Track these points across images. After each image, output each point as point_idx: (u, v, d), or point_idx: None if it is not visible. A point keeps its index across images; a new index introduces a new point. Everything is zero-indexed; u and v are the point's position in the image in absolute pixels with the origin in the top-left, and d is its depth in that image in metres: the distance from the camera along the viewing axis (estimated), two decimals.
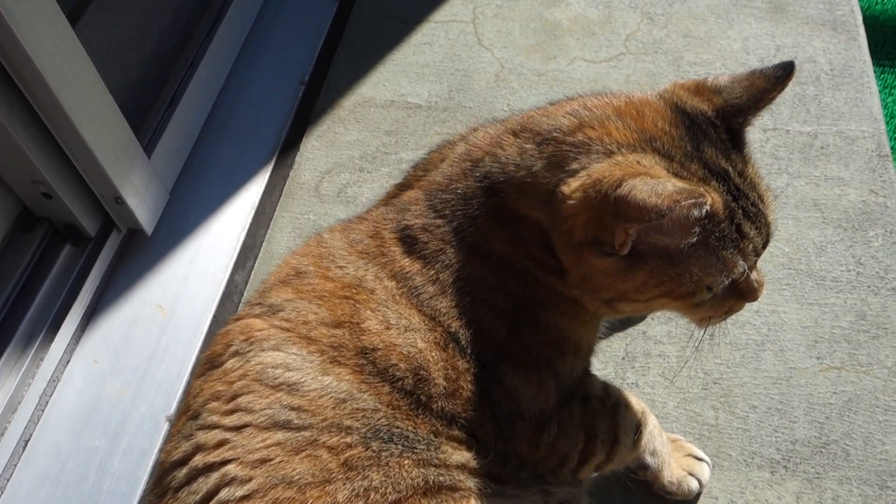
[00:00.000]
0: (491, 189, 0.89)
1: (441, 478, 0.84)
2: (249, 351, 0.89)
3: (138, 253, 1.60)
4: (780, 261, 1.49)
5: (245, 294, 1.56)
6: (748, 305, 1.40)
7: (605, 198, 0.77)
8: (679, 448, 1.24)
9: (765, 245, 0.89)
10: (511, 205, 0.88)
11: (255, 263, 1.61)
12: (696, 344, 1.08)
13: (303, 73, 1.95)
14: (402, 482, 0.82)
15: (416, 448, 0.85)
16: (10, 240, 1.44)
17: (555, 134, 0.86)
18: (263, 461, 0.80)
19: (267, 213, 1.69)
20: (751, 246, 0.85)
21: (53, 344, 1.41)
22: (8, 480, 1.32)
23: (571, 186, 0.81)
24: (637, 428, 1.07)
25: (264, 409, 0.83)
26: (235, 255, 1.62)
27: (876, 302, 1.43)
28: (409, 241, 0.92)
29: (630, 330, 1.43)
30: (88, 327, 1.50)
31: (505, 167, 0.89)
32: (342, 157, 1.76)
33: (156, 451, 1.35)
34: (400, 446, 0.84)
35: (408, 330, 0.88)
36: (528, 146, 0.88)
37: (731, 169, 0.85)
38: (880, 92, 1.86)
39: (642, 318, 1.43)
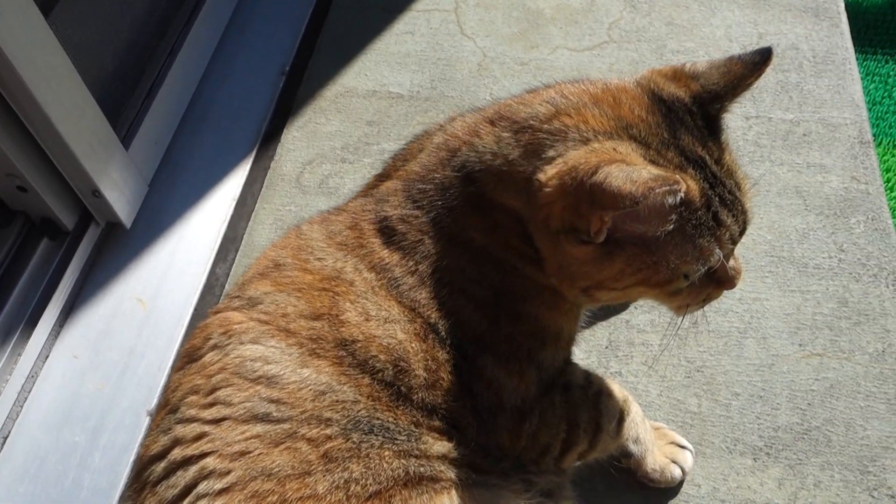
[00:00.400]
0: (468, 178, 0.89)
1: (422, 469, 0.84)
2: (228, 344, 0.88)
3: (117, 246, 1.58)
4: (763, 248, 1.50)
5: (226, 287, 1.55)
6: (731, 293, 1.41)
7: (581, 185, 0.76)
8: (662, 436, 1.24)
9: (741, 233, 0.89)
10: (488, 194, 0.88)
11: (236, 256, 1.59)
12: (675, 331, 1.08)
13: (284, 63, 1.93)
14: (382, 473, 0.82)
15: (397, 439, 0.84)
16: None
17: (531, 122, 0.86)
18: (242, 454, 0.80)
19: (248, 204, 1.67)
20: (727, 234, 0.85)
21: (31, 339, 1.40)
22: None
23: (548, 174, 0.81)
24: (620, 416, 1.07)
25: (243, 401, 0.83)
26: (216, 247, 1.60)
27: (857, 288, 1.44)
28: (387, 233, 0.91)
29: (613, 319, 1.43)
30: (67, 322, 1.48)
31: (482, 156, 0.88)
32: (324, 147, 1.75)
33: (137, 445, 1.34)
34: (380, 438, 0.83)
35: (387, 321, 0.87)
36: (504, 134, 0.88)
37: (707, 156, 0.85)
38: (862, 79, 1.86)
39: (625, 308, 1.43)
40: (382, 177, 1.02)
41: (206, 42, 1.91)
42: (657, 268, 0.84)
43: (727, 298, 1.43)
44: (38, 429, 1.36)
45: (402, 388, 0.86)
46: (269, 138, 1.79)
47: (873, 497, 1.22)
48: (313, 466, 0.80)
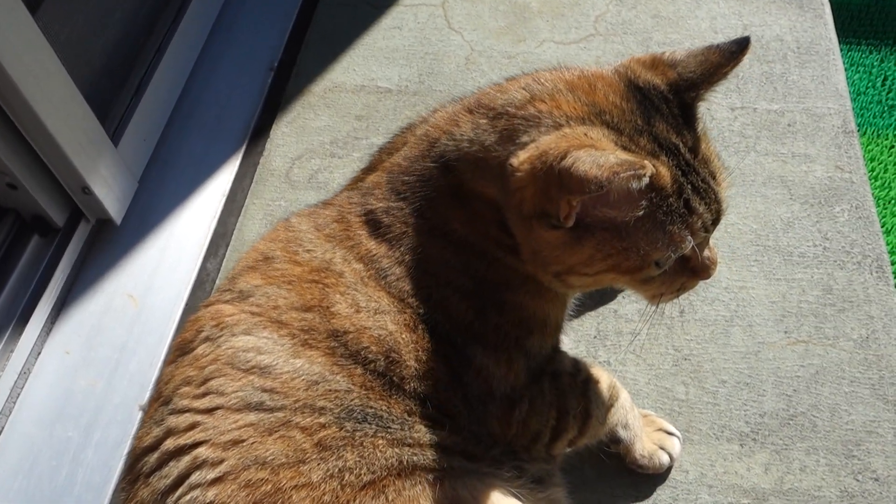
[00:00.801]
0: (447, 168, 0.90)
1: (415, 457, 0.85)
2: (220, 336, 0.89)
3: (108, 243, 1.59)
4: (748, 237, 1.52)
5: (217, 282, 1.55)
6: (717, 282, 1.42)
7: (551, 169, 0.77)
8: (650, 423, 1.25)
9: (715, 222, 0.89)
10: (467, 183, 0.89)
11: (226, 251, 1.60)
12: (648, 318, 1.08)
13: (272, 58, 1.93)
14: (376, 462, 0.82)
15: (391, 428, 0.85)
16: None
17: (507, 108, 0.86)
18: (235, 442, 0.80)
19: (238, 200, 1.68)
20: (699, 222, 0.85)
21: (23, 336, 1.40)
22: None
23: (520, 158, 0.81)
24: (608, 402, 1.08)
25: (236, 391, 0.83)
26: (207, 243, 1.61)
27: (842, 276, 1.45)
28: (373, 224, 0.92)
29: (601, 309, 1.44)
30: (59, 319, 1.49)
31: (459, 144, 0.89)
32: (313, 142, 1.76)
33: (129, 441, 1.34)
34: (374, 426, 0.84)
35: (377, 312, 0.88)
36: (482, 121, 0.88)
37: (681, 144, 0.85)
38: (846, 69, 1.88)
39: (613, 297, 1.45)
40: (368, 170, 1.03)
41: (195, 38, 1.91)
42: (627, 254, 0.84)
43: (713, 287, 1.44)
44: (32, 425, 1.36)
45: (395, 378, 0.87)
46: (258, 134, 1.79)
47: (858, 480, 1.24)
48: (307, 455, 0.80)
